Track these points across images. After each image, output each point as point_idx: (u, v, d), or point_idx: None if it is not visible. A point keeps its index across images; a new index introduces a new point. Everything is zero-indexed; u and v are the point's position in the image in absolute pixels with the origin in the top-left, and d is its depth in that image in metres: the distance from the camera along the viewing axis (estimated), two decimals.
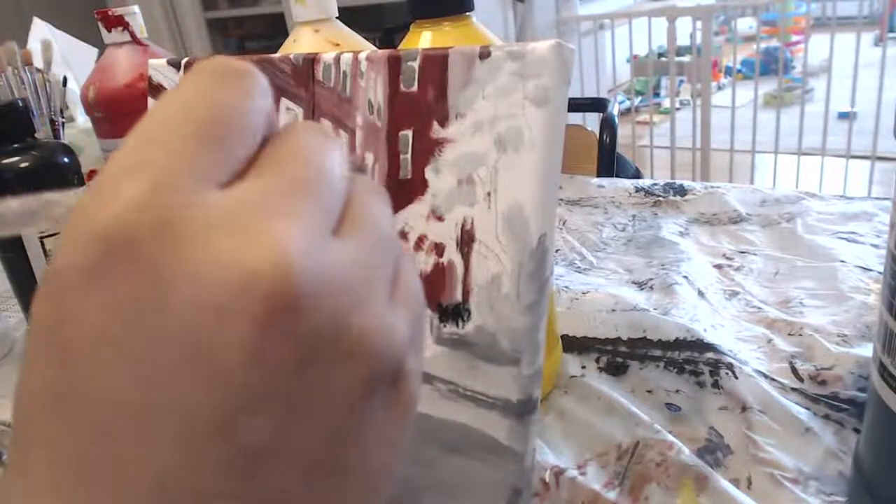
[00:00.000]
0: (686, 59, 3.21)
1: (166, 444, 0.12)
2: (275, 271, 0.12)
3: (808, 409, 0.38)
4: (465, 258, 0.27)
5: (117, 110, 0.59)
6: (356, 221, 0.15)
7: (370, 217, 0.16)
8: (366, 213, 0.16)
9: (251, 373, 0.12)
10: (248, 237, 0.13)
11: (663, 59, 3.10)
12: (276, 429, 0.13)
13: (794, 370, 0.41)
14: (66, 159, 0.51)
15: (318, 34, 0.43)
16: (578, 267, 0.58)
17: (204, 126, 0.14)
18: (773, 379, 0.41)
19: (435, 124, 0.28)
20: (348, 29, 0.44)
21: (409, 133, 0.28)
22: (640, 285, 0.53)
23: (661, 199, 0.69)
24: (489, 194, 0.27)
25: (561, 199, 0.71)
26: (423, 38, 0.35)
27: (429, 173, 0.28)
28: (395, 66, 0.29)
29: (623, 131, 1.61)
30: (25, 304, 0.53)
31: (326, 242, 0.14)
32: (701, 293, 0.51)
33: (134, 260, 0.12)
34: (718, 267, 0.55)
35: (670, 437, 0.37)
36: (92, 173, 0.93)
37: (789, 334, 0.45)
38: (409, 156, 0.28)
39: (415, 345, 0.16)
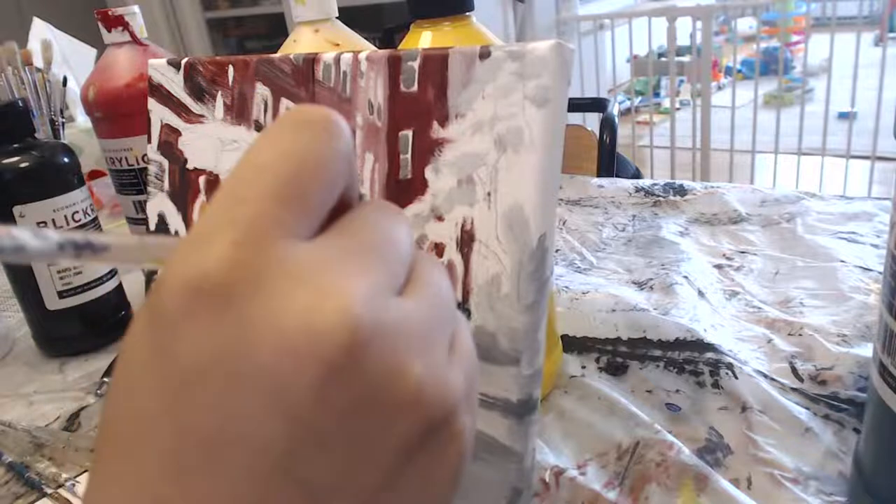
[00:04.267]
0: (686, 59, 3.20)
1: (234, 475, 0.14)
2: (343, 325, 0.14)
3: (808, 409, 0.38)
4: (465, 258, 0.27)
5: (117, 110, 0.59)
6: (418, 285, 0.17)
7: (432, 282, 0.17)
8: (428, 279, 0.17)
9: (317, 412, 0.14)
10: (323, 293, 0.14)
11: (663, 59, 3.10)
12: (336, 467, 0.14)
13: (794, 370, 0.41)
14: (66, 159, 0.51)
15: (318, 34, 0.43)
16: (578, 267, 0.58)
17: (287, 182, 0.15)
18: (773, 379, 0.41)
19: (435, 124, 0.28)
20: (348, 29, 0.44)
21: (410, 133, 0.28)
22: (640, 285, 0.53)
23: (661, 199, 0.69)
24: (489, 194, 0.27)
25: (561, 199, 0.71)
26: (423, 38, 0.35)
27: (429, 173, 0.28)
28: (395, 66, 0.29)
29: (623, 131, 1.61)
30: (25, 304, 0.53)
31: (390, 300, 0.16)
32: (701, 293, 0.51)
33: (223, 308, 0.14)
34: (718, 267, 0.55)
35: (670, 437, 0.37)
36: (92, 173, 0.94)
37: (789, 334, 0.45)
38: (409, 156, 0.28)
39: (469, 402, 0.18)
